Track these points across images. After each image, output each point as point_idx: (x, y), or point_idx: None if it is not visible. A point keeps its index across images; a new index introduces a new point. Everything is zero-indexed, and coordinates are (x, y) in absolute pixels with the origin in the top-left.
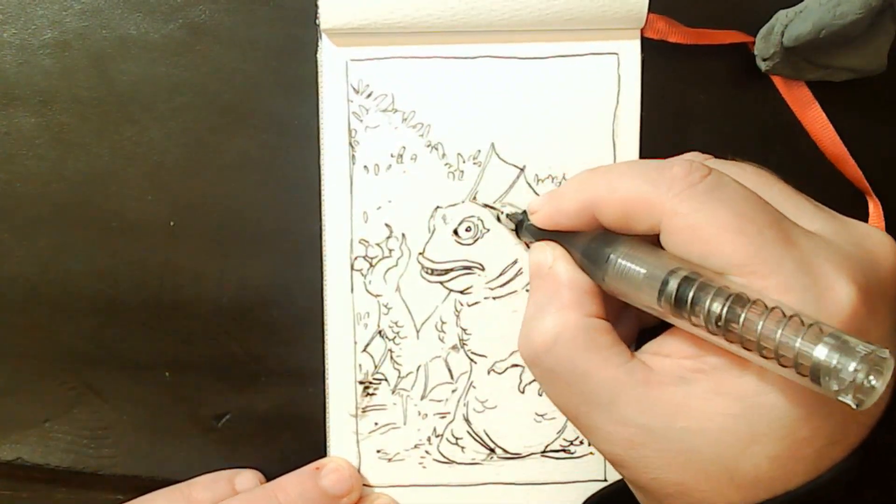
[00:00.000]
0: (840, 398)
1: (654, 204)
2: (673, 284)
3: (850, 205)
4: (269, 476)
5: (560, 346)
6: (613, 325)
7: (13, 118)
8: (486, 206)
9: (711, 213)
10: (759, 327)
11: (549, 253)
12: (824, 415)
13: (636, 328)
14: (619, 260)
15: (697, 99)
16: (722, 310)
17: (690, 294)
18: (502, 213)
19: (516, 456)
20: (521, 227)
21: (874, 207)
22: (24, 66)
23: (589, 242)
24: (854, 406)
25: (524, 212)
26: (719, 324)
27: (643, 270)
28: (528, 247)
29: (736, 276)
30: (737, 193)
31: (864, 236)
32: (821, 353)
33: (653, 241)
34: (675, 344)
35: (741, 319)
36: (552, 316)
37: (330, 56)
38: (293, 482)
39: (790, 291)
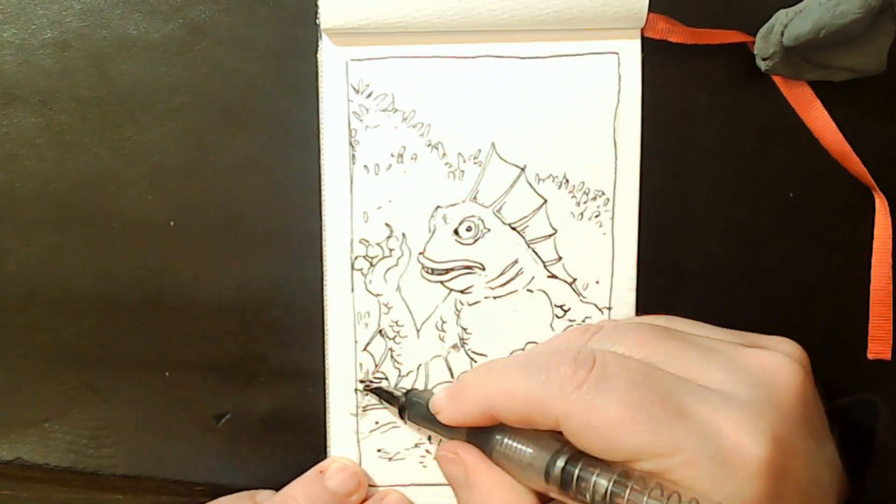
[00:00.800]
0: None
1: (550, 408)
2: (558, 465)
3: (853, 203)
4: (270, 476)
5: None
6: None
7: (13, 118)
8: (370, 389)
9: (602, 410)
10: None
11: (460, 461)
12: None
13: None
14: (505, 440)
15: (697, 99)
16: (606, 489)
17: (575, 474)
18: (379, 394)
19: None
20: (405, 412)
21: (880, 203)
22: (24, 66)
23: (471, 428)
24: None
25: (406, 393)
26: (605, 502)
27: (529, 451)
28: (417, 427)
29: (643, 462)
30: (622, 381)
31: (761, 370)
32: None
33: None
34: None
35: (625, 499)
36: None
37: (330, 56)
38: (300, 488)
39: (696, 464)
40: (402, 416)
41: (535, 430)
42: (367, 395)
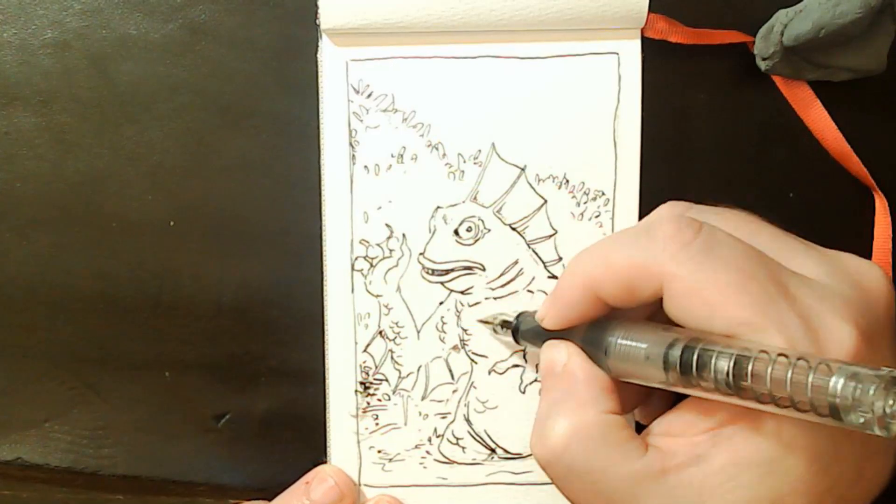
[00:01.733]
0: (867, 430)
1: (653, 270)
2: (675, 355)
3: (853, 203)
4: (270, 476)
5: (576, 445)
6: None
7: (13, 118)
8: (480, 321)
9: (711, 273)
10: (769, 377)
11: (564, 350)
12: (840, 460)
13: (657, 412)
14: (619, 342)
15: (697, 99)
16: (728, 369)
17: (694, 360)
18: (496, 324)
19: (517, 456)
20: (518, 332)
21: (880, 203)
22: (24, 66)
23: (586, 333)
24: (884, 435)
25: (518, 316)
26: (729, 384)
27: (644, 346)
28: (525, 352)
29: (742, 337)
30: (733, 249)
31: (858, 273)
32: (835, 388)
33: (647, 316)
34: (684, 421)
35: (749, 374)
36: (568, 415)
37: (330, 56)
38: (286, 501)
39: (795, 346)
40: (516, 339)
41: (647, 325)
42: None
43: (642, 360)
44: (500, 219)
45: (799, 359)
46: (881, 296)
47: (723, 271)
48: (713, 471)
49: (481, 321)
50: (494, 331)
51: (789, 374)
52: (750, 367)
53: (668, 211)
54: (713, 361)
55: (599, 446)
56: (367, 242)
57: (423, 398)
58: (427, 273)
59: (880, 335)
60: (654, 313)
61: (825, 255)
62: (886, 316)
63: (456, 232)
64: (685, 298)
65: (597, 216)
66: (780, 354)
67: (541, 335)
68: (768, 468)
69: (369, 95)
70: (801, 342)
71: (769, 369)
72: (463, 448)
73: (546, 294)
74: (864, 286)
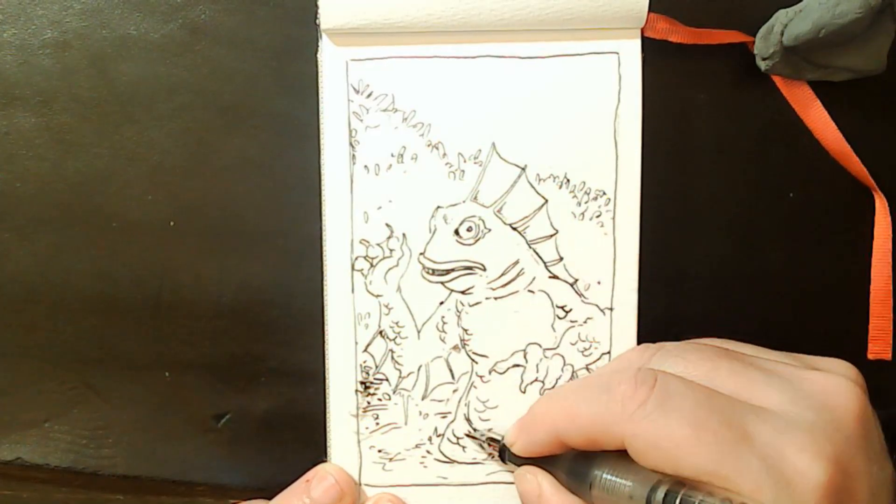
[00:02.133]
0: None
1: (613, 429)
2: (658, 498)
3: (853, 203)
4: (270, 476)
5: None
6: None
7: (13, 118)
8: (467, 435)
9: (666, 429)
10: None
11: (534, 482)
12: None
13: None
14: (605, 476)
15: (698, 98)
16: None
17: (678, 502)
18: (483, 441)
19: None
20: (505, 452)
21: (880, 203)
22: (24, 66)
23: (571, 462)
24: None
25: (504, 437)
26: None
27: (628, 485)
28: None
29: (709, 484)
30: (685, 401)
31: (823, 393)
32: None
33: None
34: None
35: None
36: None
37: (330, 56)
38: (286, 499)
39: (762, 489)
40: (502, 459)
41: (633, 464)
42: (466, 440)
43: (626, 497)
44: (500, 218)
45: None
46: (849, 411)
47: (677, 426)
48: None
49: (469, 436)
50: (481, 446)
51: None
52: None
53: (627, 363)
54: None
55: None
56: (368, 242)
57: (423, 398)
58: (427, 273)
59: (853, 454)
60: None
61: (786, 380)
62: (858, 431)
63: (456, 232)
64: (647, 453)
65: (598, 216)
66: None
67: (524, 459)
68: None
69: (369, 95)
70: (767, 485)
71: None
72: (463, 447)
73: (548, 292)
74: (828, 406)
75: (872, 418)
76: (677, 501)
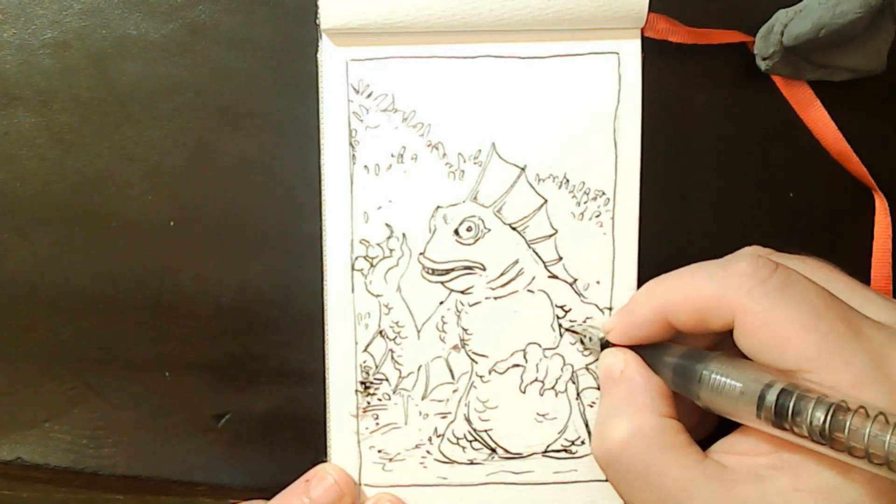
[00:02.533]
0: None
1: (727, 303)
2: (771, 397)
3: (853, 203)
4: (270, 476)
5: (635, 446)
6: (687, 426)
7: (13, 118)
8: (568, 330)
9: (784, 310)
10: (866, 435)
11: (621, 357)
12: None
13: (710, 428)
14: (713, 375)
15: (698, 98)
16: (825, 418)
17: (790, 406)
18: (585, 336)
19: (517, 456)
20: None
21: (880, 203)
22: (24, 66)
23: (679, 359)
24: None
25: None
26: (824, 433)
27: (739, 385)
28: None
29: (809, 373)
30: (807, 289)
31: None
32: None
33: (710, 345)
34: (749, 442)
35: (846, 429)
36: (627, 417)
37: (330, 56)
38: (286, 499)
39: (863, 386)
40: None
41: (742, 362)
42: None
43: (736, 395)
44: (500, 218)
45: None
46: None
47: (795, 310)
48: (773, 492)
49: (570, 330)
50: (581, 342)
51: (889, 437)
52: (848, 422)
53: (748, 250)
54: (810, 409)
55: (658, 448)
56: (368, 242)
57: (423, 398)
58: (427, 273)
59: None
60: (716, 343)
61: None
62: None
63: (456, 232)
64: (757, 333)
65: (597, 216)
66: (879, 413)
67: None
68: (828, 496)
69: (369, 95)
70: (868, 383)
71: (868, 427)
72: (463, 448)
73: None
74: None
75: None
76: (791, 403)
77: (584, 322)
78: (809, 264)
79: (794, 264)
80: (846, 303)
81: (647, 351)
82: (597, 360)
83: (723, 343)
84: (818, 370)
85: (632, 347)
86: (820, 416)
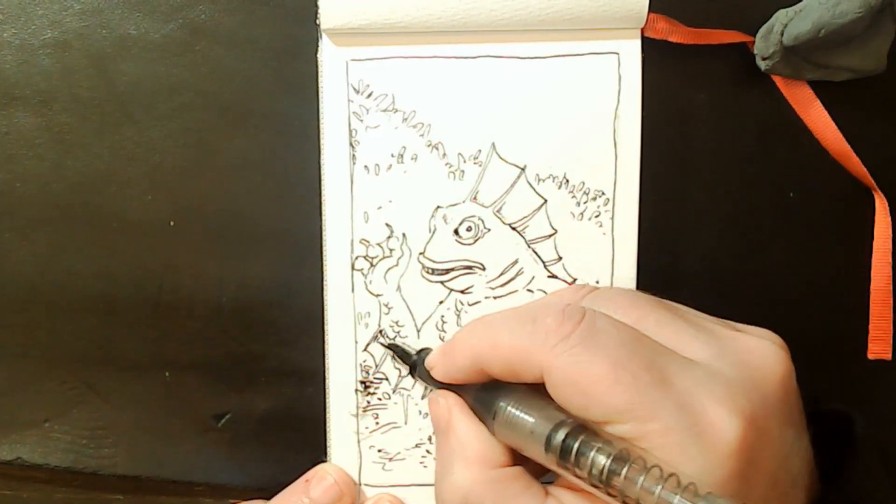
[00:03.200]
0: None
1: (534, 358)
2: (558, 438)
3: (853, 203)
4: (270, 476)
5: (472, 501)
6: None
7: (13, 118)
8: (381, 343)
9: (586, 365)
10: (639, 485)
11: (445, 406)
12: None
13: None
14: (508, 408)
15: (698, 98)
16: (604, 465)
17: (575, 447)
18: (396, 353)
19: None
20: (416, 369)
21: (880, 203)
22: (23, 65)
23: (478, 391)
24: None
25: (420, 351)
26: (601, 479)
27: (531, 420)
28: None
29: (618, 424)
30: (610, 339)
31: (748, 352)
32: None
33: (544, 389)
34: None
35: (622, 476)
36: (459, 474)
37: (330, 56)
38: (285, 499)
39: (671, 433)
40: (412, 375)
41: (538, 400)
42: (384, 350)
43: (526, 433)
44: (500, 218)
45: (671, 475)
46: (772, 373)
47: (598, 364)
48: None
49: (383, 345)
50: (393, 359)
51: (659, 486)
52: (625, 470)
53: (559, 299)
54: (591, 454)
55: (494, 502)
56: (367, 242)
57: (423, 397)
58: (427, 272)
59: (770, 414)
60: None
61: (716, 336)
62: (778, 393)
63: (456, 231)
64: (563, 388)
65: (597, 216)
66: (654, 466)
67: (439, 383)
68: None
69: (369, 95)
70: (677, 430)
71: (642, 476)
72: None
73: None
74: (752, 365)
75: (794, 386)
76: (576, 445)
77: (400, 343)
78: (620, 303)
79: (604, 304)
80: (655, 343)
81: (472, 389)
82: (410, 374)
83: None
84: (626, 421)
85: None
86: (601, 462)
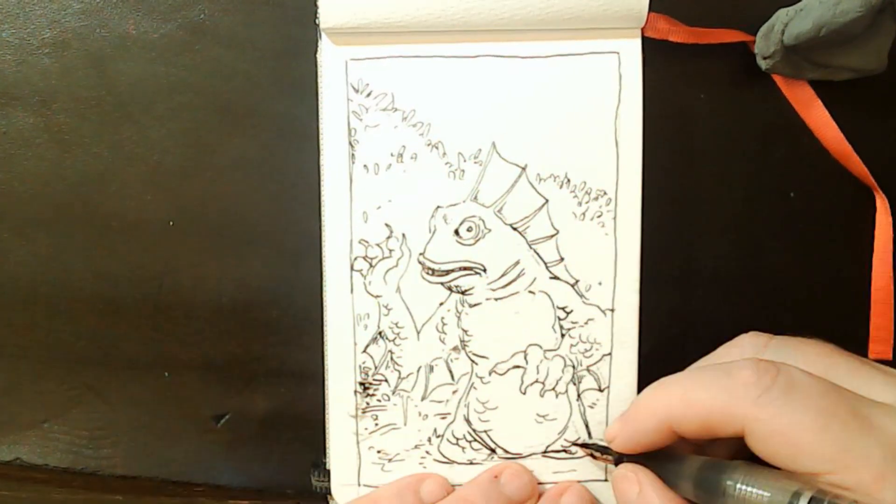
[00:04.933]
0: None
1: (734, 413)
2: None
3: (853, 203)
4: (270, 476)
5: None
6: None
7: (13, 118)
8: (581, 445)
9: (792, 415)
10: None
11: (635, 480)
12: None
13: None
14: (738, 486)
15: (698, 98)
16: None
17: None
18: (596, 452)
19: (517, 456)
20: (622, 458)
21: (881, 203)
22: (23, 65)
23: (700, 471)
24: None
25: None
26: None
27: (767, 494)
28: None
29: (829, 475)
30: (812, 389)
31: None
32: None
33: (761, 460)
34: None
35: None
36: None
37: (330, 56)
38: (476, 493)
39: (885, 480)
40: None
41: (766, 471)
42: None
43: None
44: (500, 219)
45: None
46: None
47: (803, 413)
48: None
49: (577, 444)
50: (592, 456)
51: None
52: None
53: (747, 348)
54: None
55: None
56: (367, 242)
57: (422, 399)
58: (427, 273)
59: None
60: (721, 445)
61: None
62: None
63: (456, 232)
64: (770, 440)
65: (599, 216)
66: None
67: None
68: None
69: (369, 94)
70: (890, 474)
71: None
72: (462, 448)
73: (550, 294)
74: None
75: None
76: None
77: (592, 439)
78: (807, 353)
79: (794, 356)
80: (851, 392)
81: (661, 464)
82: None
83: (725, 444)
84: (838, 470)
85: (644, 458)
86: None
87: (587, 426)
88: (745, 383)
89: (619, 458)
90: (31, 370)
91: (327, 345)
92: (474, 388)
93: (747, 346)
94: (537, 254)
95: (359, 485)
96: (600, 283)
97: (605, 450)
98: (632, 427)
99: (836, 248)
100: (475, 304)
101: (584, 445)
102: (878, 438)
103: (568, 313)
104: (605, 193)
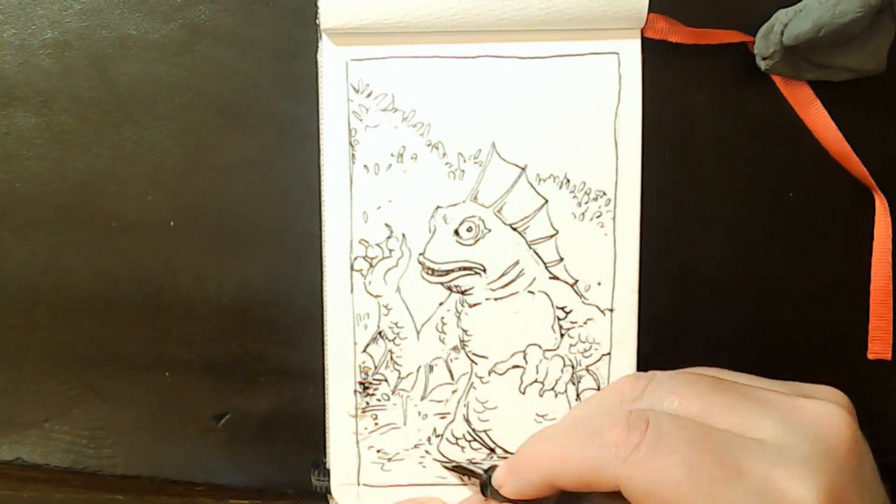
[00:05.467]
0: None
1: (607, 472)
2: None
3: (853, 203)
4: (270, 476)
5: None
6: None
7: (13, 118)
8: (448, 468)
9: (660, 473)
10: None
11: None
12: None
13: None
14: None
15: (697, 98)
16: None
17: None
18: (463, 473)
19: None
20: (487, 487)
21: (880, 203)
22: (24, 66)
23: (558, 501)
24: None
25: (488, 470)
26: None
27: None
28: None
29: None
30: (680, 441)
31: (816, 422)
32: None
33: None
34: None
35: None
36: None
37: (330, 56)
38: None
39: None
40: (484, 493)
41: (621, 501)
42: (451, 470)
43: None
44: (500, 219)
45: None
46: (842, 440)
47: (671, 469)
48: None
49: (448, 468)
50: (461, 479)
51: None
52: None
53: (618, 396)
54: None
55: None
56: (367, 242)
57: (422, 398)
58: (427, 273)
59: (847, 482)
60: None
61: (780, 410)
62: (850, 460)
63: (456, 232)
64: (643, 496)
65: (598, 216)
66: None
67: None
68: None
69: (369, 95)
70: None
71: None
72: (462, 448)
73: (550, 299)
74: (821, 435)
75: (864, 445)
76: None
77: (468, 462)
78: (685, 394)
79: (668, 400)
80: (724, 433)
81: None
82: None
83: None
84: None
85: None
86: None
87: None
88: (616, 442)
89: (486, 480)
90: (31, 370)
91: (327, 345)
92: (474, 387)
93: (626, 392)
94: (537, 254)
95: (358, 484)
96: (599, 284)
97: (472, 473)
98: (517, 479)
99: (835, 248)
100: (475, 304)
101: (454, 468)
102: (748, 485)
103: (567, 313)
104: (604, 194)
